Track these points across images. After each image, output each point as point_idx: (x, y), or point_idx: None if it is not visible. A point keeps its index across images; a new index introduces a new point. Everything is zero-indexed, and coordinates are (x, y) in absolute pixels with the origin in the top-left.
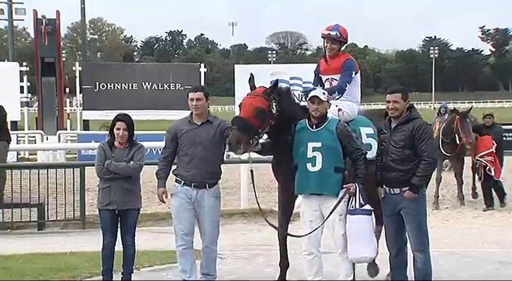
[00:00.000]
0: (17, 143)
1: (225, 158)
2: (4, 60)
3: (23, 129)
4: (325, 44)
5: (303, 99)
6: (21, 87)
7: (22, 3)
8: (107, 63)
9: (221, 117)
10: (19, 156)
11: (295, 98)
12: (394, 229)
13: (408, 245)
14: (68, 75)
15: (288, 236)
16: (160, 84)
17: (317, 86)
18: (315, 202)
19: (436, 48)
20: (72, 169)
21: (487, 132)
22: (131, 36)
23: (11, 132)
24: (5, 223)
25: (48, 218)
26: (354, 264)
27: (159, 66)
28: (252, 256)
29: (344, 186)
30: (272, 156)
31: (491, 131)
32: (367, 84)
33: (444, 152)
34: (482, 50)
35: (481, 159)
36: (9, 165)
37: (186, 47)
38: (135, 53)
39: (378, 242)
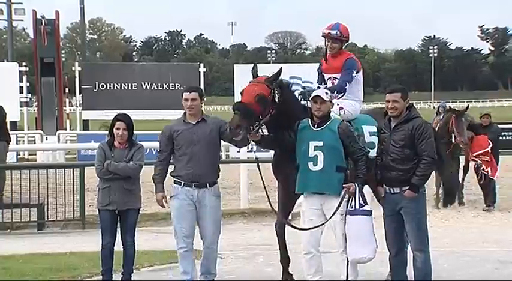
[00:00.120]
0: (17, 144)
1: (224, 158)
2: (3, 61)
3: (23, 130)
4: (326, 43)
5: (303, 99)
6: (21, 88)
7: (21, 3)
8: (106, 63)
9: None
10: (19, 156)
11: (296, 94)
12: (394, 229)
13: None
14: (68, 75)
15: (286, 237)
16: (159, 84)
17: (321, 84)
18: (316, 201)
19: (436, 47)
20: (71, 169)
21: (484, 132)
22: (130, 36)
23: (10, 132)
24: (5, 223)
25: (47, 218)
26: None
27: (158, 66)
28: (251, 255)
29: (344, 185)
30: (272, 156)
31: (488, 130)
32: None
33: None
34: (481, 50)
35: (476, 158)
36: (9, 165)
37: (185, 47)
38: (134, 53)
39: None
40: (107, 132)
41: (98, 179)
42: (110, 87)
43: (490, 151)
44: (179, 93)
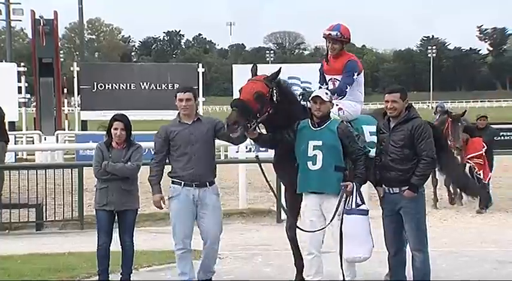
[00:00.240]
0: (15, 144)
1: (223, 158)
2: (2, 61)
3: (21, 130)
4: (327, 44)
5: (303, 100)
6: (19, 88)
7: (20, 3)
8: (105, 63)
9: (217, 117)
10: (17, 156)
11: (295, 94)
12: (393, 229)
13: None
14: (66, 75)
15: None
16: (158, 85)
17: (323, 84)
18: (315, 200)
19: (434, 47)
20: (70, 169)
21: (479, 134)
22: (129, 37)
23: (9, 132)
24: (3, 223)
25: (46, 218)
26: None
27: (157, 67)
28: (250, 255)
29: (342, 184)
30: (271, 155)
31: (483, 133)
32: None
33: None
34: (480, 50)
35: (469, 161)
36: (8, 165)
37: (184, 47)
38: (133, 53)
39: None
40: (105, 132)
41: (96, 180)
42: (108, 88)
43: (484, 154)
44: None
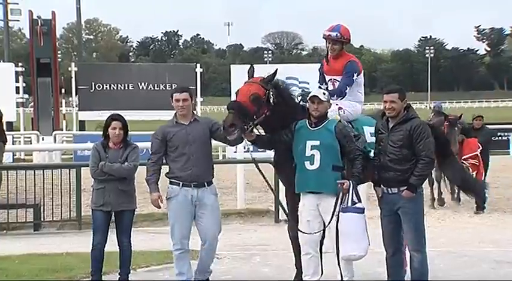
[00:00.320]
0: (13, 144)
1: (221, 158)
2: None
3: (19, 130)
4: (327, 45)
5: (303, 101)
6: (17, 88)
7: (17, 3)
8: (103, 63)
9: (215, 118)
10: (15, 157)
11: (293, 95)
12: (392, 229)
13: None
14: (64, 75)
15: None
16: (156, 85)
17: (322, 84)
18: (312, 200)
19: (432, 48)
20: (68, 170)
21: (475, 135)
22: (127, 37)
23: (6, 133)
24: (1, 223)
25: (44, 218)
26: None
27: (155, 67)
28: (248, 256)
29: (338, 181)
30: (268, 156)
31: (479, 133)
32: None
33: None
34: (477, 50)
35: (465, 162)
36: (5, 166)
37: (182, 47)
38: (130, 54)
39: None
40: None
41: (93, 180)
42: (106, 88)
43: (479, 155)
44: None
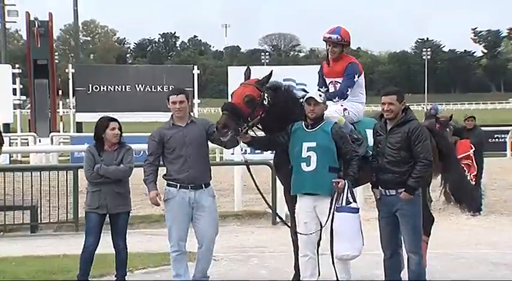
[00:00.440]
0: (10, 146)
1: (218, 160)
2: None
3: (16, 132)
4: (327, 47)
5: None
6: (14, 90)
7: (14, 5)
8: (100, 65)
9: (213, 120)
10: (12, 158)
11: (294, 96)
12: (389, 231)
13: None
14: (61, 77)
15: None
16: (153, 87)
17: (321, 87)
18: (309, 202)
19: (429, 49)
20: (65, 171)
21: (467, 136)
22: (124, 38)
23: (3, 134)
24: None
25: (41, 220)
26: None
27: (152, 68)
28: (246, 258)
29: (333, 180)
30: (264, 158)
31: (471, 134)
32: None
33: None
34: (474, 52)
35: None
36: (2, 167)
37: (179, 48)
38: (128, 55)
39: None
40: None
41: (87, 182)
42: (103, 90)
43: (472, 155)
44: None
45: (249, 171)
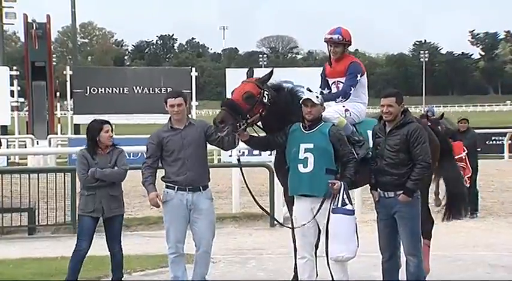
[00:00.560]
0: (7, 148)
1: (216, 162)
2: None
3: (14, 134)
4: (329, 48)
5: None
6: (12, 92)
7: (12, 7)
8: (98, 67)
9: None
10: (9, 160)
11: (297, 97)
12: (388, 233)
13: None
14: (59, 79)
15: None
16: (151, 89)
17: (324, 89)
18: (306, 204)
19: (426, 52)
20: (62, 174)
21: (460, 138)
22: (122, 40)
23: (1, 136)
24: None
25: (38, 222)
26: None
27: (150, 71)
28: (243, 260)
29: (329, 181)
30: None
31: (464, 137)
32: None
33: None
34: (472, 54)
35: None
36: (0, 169)
37: (177, 51)
38: (126, 57)
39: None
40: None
41: (81, 186)
42: (101, 92)
43: (465, 157)
44: None
45: (242, 172)
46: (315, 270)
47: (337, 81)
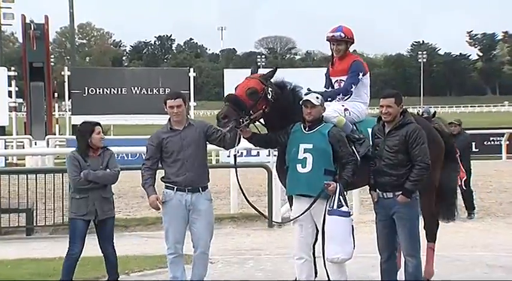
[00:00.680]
0: (5, 148)
1: (214, 163)
2: None
3: (11, 134)
4: (332, 47)
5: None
6: (10, 92)
7: (10, 7)
8: (96, 68)
9: (209, 122)
10: (7, 161)
11: (300, 95)
12: (386, 234)
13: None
14: (57, 80)
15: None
16: (149, 89)
17: (328, 88)
18: (304, 204)
19: (424, 52)
20: (61, 174)
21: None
22: (120, 41)
23: None
24: None
25: (36, 223)
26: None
27: (148, 71)
28: (241, 260)
29: (325, 182)
30: (262, 160)
31: (456, 138)
32: None
33: None
34: (470, 55)
35: None
36: None
37: (175, 51)
38: (124, 58)
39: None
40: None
41: (72, 189)
42: (99, 92)
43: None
44: None
45: (236, 172)
46: (313, 270)
47: (340, 79)
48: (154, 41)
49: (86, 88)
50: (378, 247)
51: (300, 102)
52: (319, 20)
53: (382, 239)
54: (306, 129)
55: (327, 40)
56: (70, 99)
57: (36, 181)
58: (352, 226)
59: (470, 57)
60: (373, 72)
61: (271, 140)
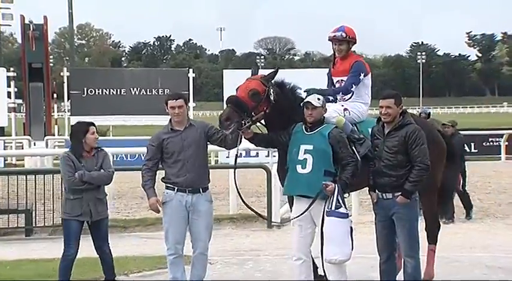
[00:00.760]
0: (4, 149)
1: (213, 164)
2: None
3: (10, 135)
4: (333, 47)
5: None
6: (9, 93)
7: (9, 8)
8: (95, 68)
9: (210, 122)
10: (6, 162)
11: (299, 96)
12: (386, 234)
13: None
14: (56, 80)
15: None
16: (148, 90)
17: (330, 88)
18: (304, 204)
19: (424, 53)
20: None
21: None
22: (119, 42)
23: None
24: None
25: (35, 224)
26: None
27: (147, 72)
28: (241, 261)
29: (323, 183)
30: (262, 161)
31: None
32: None
33: None
34: (469, 56)
35: None
36: None
37: (174, 52)
38: (123, 59)
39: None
40: (74, 141)
41: (66, 190)
42: (98, 93)
43: None
44: None
45: (234, 173)
46: (311, 271)
47: (341, 80)
48: (154, 42)
49: (85, 89)
50: (377, 248)
51: (301, 103)
52: (319, 20)
53: (382, 240)
54: (307, 131)
55: (328, 40)
56: (69, 100)
57: (35, 181)
58: (351, 227)
59: (469, 58)
60: (373, 73)
61: (273, 140)
